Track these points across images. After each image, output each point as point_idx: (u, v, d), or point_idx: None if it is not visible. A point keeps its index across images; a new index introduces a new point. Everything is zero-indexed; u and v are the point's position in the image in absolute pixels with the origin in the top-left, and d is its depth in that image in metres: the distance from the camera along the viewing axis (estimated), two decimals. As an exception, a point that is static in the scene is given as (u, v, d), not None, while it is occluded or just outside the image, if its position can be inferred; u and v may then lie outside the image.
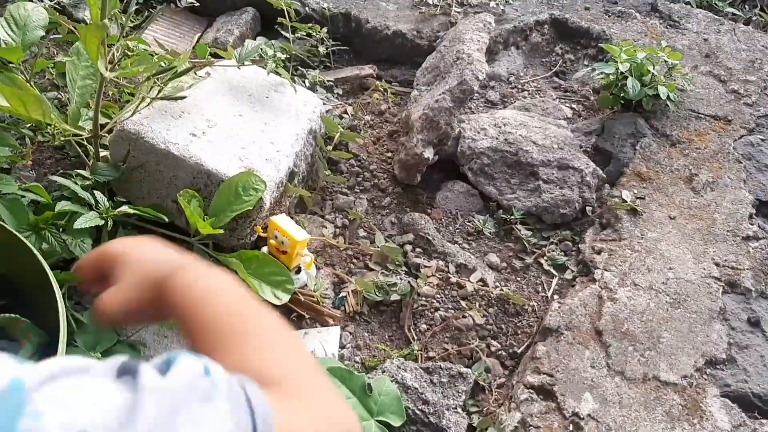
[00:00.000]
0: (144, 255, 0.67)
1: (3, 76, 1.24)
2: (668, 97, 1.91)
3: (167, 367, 0.43)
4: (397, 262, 1.57)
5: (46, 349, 1.08)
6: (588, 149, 1.94)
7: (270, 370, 0.54)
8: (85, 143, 1.46)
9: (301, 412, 0.51)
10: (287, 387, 0.52)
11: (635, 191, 1.75)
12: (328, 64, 2.20)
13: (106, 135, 1.41)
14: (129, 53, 1.71)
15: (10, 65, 1.39)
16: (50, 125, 1.31)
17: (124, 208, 1.30)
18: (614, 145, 1.90)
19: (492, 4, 2.34)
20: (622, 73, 1.91)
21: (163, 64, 1.63)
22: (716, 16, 2.49)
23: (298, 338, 0.81)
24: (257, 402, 0.44)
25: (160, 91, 1.36)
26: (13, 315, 1.11)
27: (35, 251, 1.11)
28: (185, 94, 1.38)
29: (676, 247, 1.62)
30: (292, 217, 1.59)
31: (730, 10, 2.86)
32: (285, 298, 1.22)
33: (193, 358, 0.44)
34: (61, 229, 1.29)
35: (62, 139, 1.41)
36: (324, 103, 1.83)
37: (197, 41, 2.13)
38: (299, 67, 2.10)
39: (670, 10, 2.47)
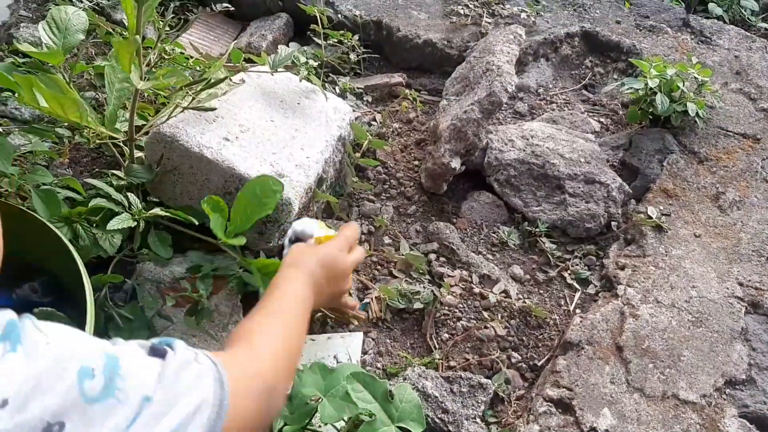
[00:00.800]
0: None
1: (44, 77, 1.27)
2: (697, 113, 1.91)
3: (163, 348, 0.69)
4: (420, 271, 1.59)
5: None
6: (615, 164, 1.94)
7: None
8: (121, 144, 1.50)
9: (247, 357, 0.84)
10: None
11: (661, 208, 1.75)
12: (359, 71, 2.22)
13: (141, 138, 1.45)
14: (166, 56, 1.75)
15: (51, 67, 1.43)
16: (87, 127, 1.35)
17: (156, 210, 1.34)
18: (641, 161, 1.91)
19: (523, 15, 2.35)
20: (651, 88, 1.91)
21: (197, 68, 1.67)
22: (748, 33, 2.47)
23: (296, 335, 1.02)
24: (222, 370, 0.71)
25: (193, 100, 1.40)
26: (48, 308, 1.15)
27: (69, 245, 1.14)
28: (216, 105, 1.41)
29: (701, 265, 1.62)
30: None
31: (763, 25, 2.84)
32: None
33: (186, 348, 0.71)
34: (94, 225, 1.33)
35: (98, 141, 1.45)
36: (353, 110, 1.85)
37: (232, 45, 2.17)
38: (330, 74, 2.13)
39: (701, 26, 2.46)
